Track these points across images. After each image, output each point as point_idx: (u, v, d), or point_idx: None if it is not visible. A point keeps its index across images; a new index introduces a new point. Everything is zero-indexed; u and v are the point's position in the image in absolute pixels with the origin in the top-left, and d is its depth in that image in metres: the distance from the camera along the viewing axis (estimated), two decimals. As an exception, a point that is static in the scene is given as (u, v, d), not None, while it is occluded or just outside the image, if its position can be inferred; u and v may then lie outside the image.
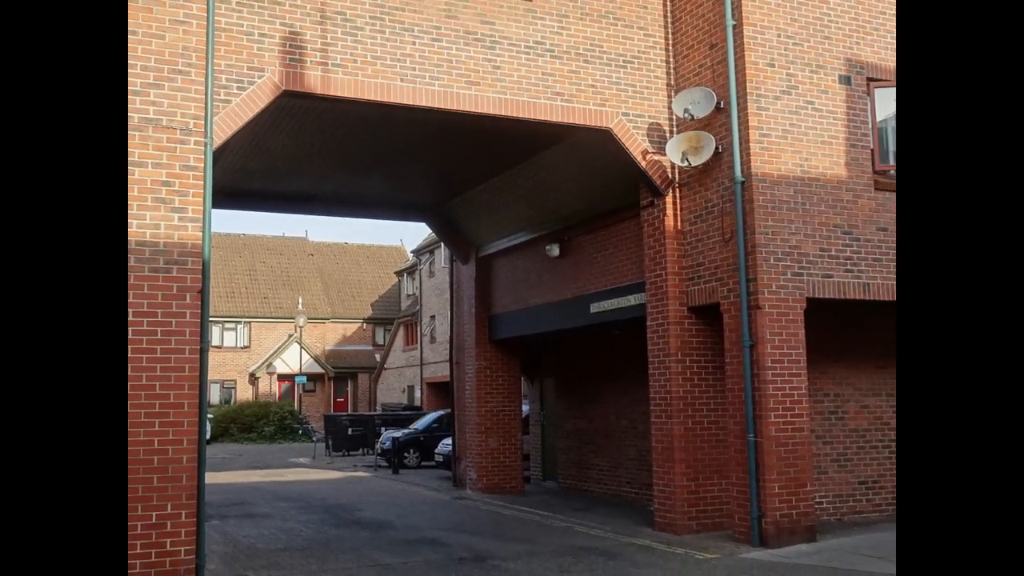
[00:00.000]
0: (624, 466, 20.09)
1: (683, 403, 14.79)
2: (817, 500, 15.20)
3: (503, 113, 13.70)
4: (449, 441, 25.54)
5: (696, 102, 14.48)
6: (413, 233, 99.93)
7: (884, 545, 13.37)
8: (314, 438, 44.69)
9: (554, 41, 14.16)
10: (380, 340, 62.26)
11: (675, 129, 15.04)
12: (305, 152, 17.08)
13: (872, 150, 14.79)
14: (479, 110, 13.50)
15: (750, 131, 13.94)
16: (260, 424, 50.37)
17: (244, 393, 58.16)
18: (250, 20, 12.10)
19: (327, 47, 12.53)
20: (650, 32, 15.13)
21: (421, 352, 51.21)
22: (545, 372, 23.80)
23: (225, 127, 11.64)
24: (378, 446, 32.54)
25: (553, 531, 15.67)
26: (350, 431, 38.29)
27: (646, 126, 14.91)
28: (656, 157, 14.96)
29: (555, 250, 19.69)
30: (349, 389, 61.70)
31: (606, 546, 14.05)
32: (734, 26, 14.18)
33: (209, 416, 38.77)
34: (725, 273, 14.24)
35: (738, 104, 14.09)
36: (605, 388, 20.90)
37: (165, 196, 10.80)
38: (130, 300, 10.52)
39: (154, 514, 10.39)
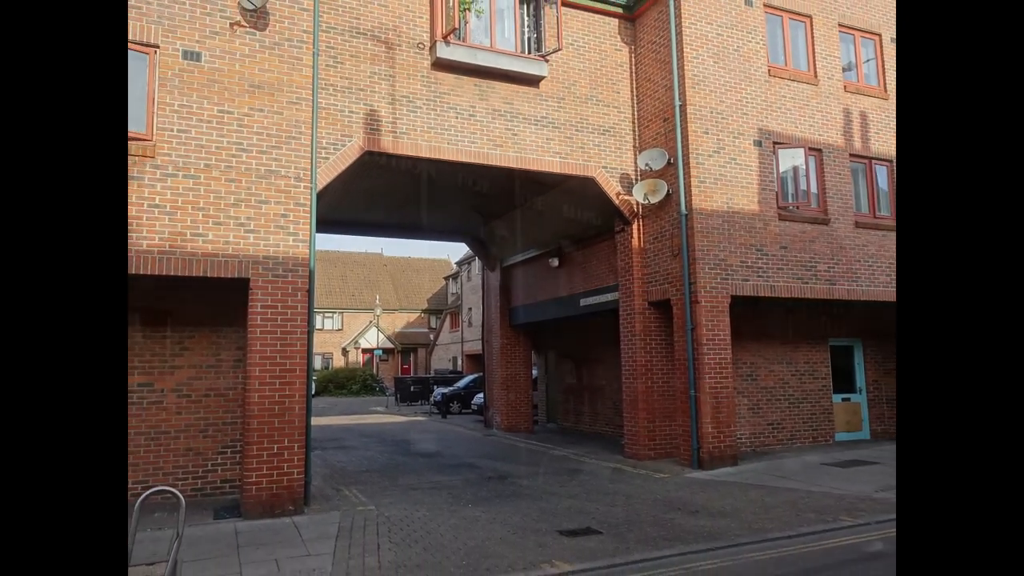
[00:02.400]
0: (603, 413, 20.04)
1: (644, 368, 14.76)
2: (738, 436, 15.16)
3: (519, 167, 13.71)
4: (482, 395, 25.57)
5: (654, 159, 14.45)
6: (457, 250, 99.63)
7: (785, 468, 13.32)
8: (387, 393, 44.68)
9: (554, 116, 14.17)
10: (433, 325, 62.14)
11: (639, 177, 15.01)
12: (380, 193, 17.13)
13: (776, 192, 14.73)
14: (503, 164, 13.51)
15: (691, 179, 13.90)
16: (349, 383, 50.35)
17: (338, 362, 58.16)
18: (343, 102, 12.17)
19: (396, 120, 12.59)
20: (622, 110, 15.12)
21: (462, 333, 51.21)
22: (548, 347, 23.76)
23: (325, 176, 11.71)
24: (432, 399, 32.56)
25: (554, 458, 15.66)
26: (412, 388, 38.28)
27: (619, 175, 14.89)
28: (626, 197, 14.94)
29: (555, 262, 19.66)
30: (412, 359, 61.67)
31: (590, 468, 14.04)
32: (680, 106, 14.16)
33: (314, 377, 38.89)
34: (674, 278, 14.20)
35: (683, 160, 14.06)
36: (590, 358, 20.86)
37: (283, 224, 10.87)
38: (259, 296, 10.60)
39: (275, 446, 10.44)
